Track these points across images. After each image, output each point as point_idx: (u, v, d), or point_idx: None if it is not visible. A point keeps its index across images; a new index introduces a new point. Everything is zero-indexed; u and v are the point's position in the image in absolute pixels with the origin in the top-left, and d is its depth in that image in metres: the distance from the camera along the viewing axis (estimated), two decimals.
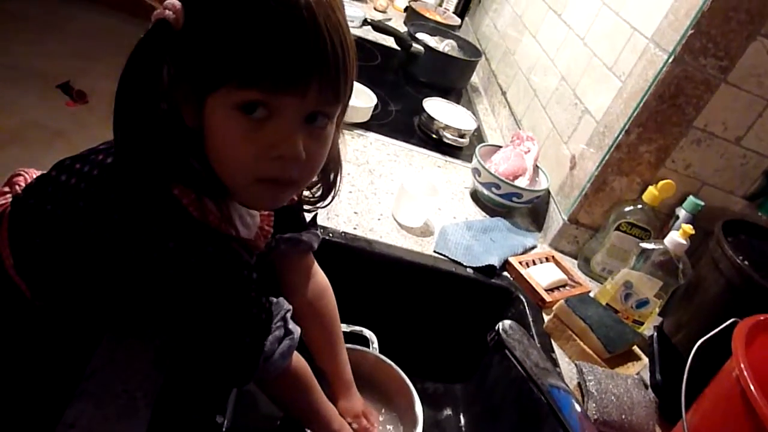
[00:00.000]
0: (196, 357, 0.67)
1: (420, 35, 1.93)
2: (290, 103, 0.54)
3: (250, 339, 0.63)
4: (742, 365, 0.62)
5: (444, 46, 1.93)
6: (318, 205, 0.77)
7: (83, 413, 0.62)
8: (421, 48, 1.83)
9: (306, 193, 0.75)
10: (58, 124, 2.65)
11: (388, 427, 0.93)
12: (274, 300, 0.69)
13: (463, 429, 1.09)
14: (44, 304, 0.66)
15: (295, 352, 0.70)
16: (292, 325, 0.68)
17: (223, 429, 0.86)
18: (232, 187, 0.59)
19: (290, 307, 0.69)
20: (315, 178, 0.73)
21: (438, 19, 2.26)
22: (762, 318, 0.72)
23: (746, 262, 0.93)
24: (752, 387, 0.60)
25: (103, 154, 0.61)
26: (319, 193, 0.75)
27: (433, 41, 1.93)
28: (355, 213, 1.12)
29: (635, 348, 1.02)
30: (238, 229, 0.63)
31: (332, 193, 0.75)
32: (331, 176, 0.73)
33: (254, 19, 0.50)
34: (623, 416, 0.85)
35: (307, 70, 0.52)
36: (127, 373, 0.67)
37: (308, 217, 0.84)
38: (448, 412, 1.11)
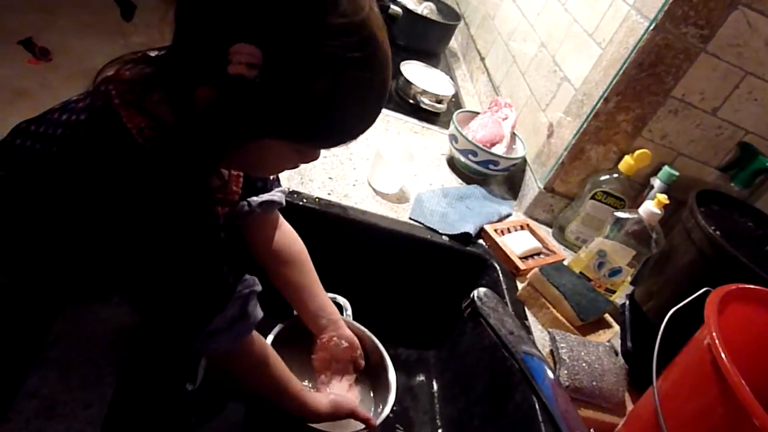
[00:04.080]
0: (143, 314, 0.63)
1: None
2: None
3: (199, 310, 0.59)
4: (714, 333, 0.63)
5: (423, 8, 1.89)
6: None
7: (45, 382, 0.59)
8: (399, 10, 1.78)
9: None
10: (20, 82, 2.54)
11: (361, 393, 0.93)
12: (247, 277, 0.65)
13: (436, 395, 1.09)
14: (6, 279, 0.62)
15: (256, 335, 0.68)
16: (252, 308, 0.64)
17: (193, 396, 0.85)
18: None
19: (258, 288, 0.65)
20: None
21: None
22: (733, 288, 0.73)
23: (718, 233, 0.94)
24: (723, 355, 0.61)
25: (59, 113, 0.58)
26: None
27: (412, 3, 1.89)
28: (330, 178, 1.10)
29: (607, 316, 1.03)
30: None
31: None
32: None
33: (359, 107, 0.57)
34: (594, 383, 0.85)
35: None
36: (91, 341, 0.65)
37: None
38: (421, 378, 1.12)
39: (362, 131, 0.60)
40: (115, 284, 0.61)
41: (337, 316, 0.91)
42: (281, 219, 0.89)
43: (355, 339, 0.92)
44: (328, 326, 0.89)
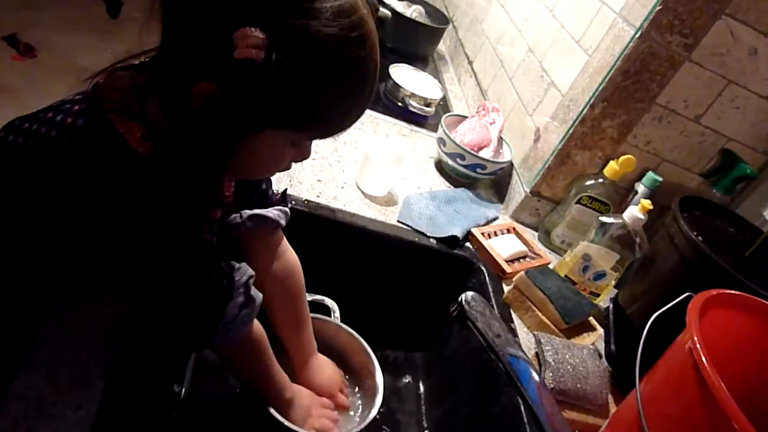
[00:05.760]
0: (153, 321, 0.65)
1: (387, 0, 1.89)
2: None
3: (210, 305, 0.61)
4: (695, 337, 0.64)
5: (411, 11, 1.90)
6: None
7: (33, 383, 0.59)
8: (388, 13, 1.79)
9: None
10: (4, 79, 2.51)
11: (348, 394, 0.93)
12: (236, 265, 0.67)
13: (422, 396, 1.10)
14: None
15: (255, 320, 0.69)
16: (254, 292, 0.67)
17: (181, 398, 0.85)
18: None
19: (253, 272, 0.68)
20: None
21: None
22: (714, 293, 0.74)
23: (700, 238, 0.96)
24: (704, 358, 0.62)
25: (53, 113, 0.58)
26: None
27: (400, 6, 1.89)
28: (319, 181, 1.10)
29: (591, 319, 1.05)
30: None
31: None
32: None
33: (354, 91, 0.57)
34: (578, 385, 0.87)
35: None
36: (79, 342, 0.65)
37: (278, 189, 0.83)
38: (407, 379, 1.13)
39: (358, 116, 0.61)
40: (123, 293, 0.62)
41: (303, 362, 0.88)
42: (284, 246, 0.85)
43: (325, 383, 0.90)
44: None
